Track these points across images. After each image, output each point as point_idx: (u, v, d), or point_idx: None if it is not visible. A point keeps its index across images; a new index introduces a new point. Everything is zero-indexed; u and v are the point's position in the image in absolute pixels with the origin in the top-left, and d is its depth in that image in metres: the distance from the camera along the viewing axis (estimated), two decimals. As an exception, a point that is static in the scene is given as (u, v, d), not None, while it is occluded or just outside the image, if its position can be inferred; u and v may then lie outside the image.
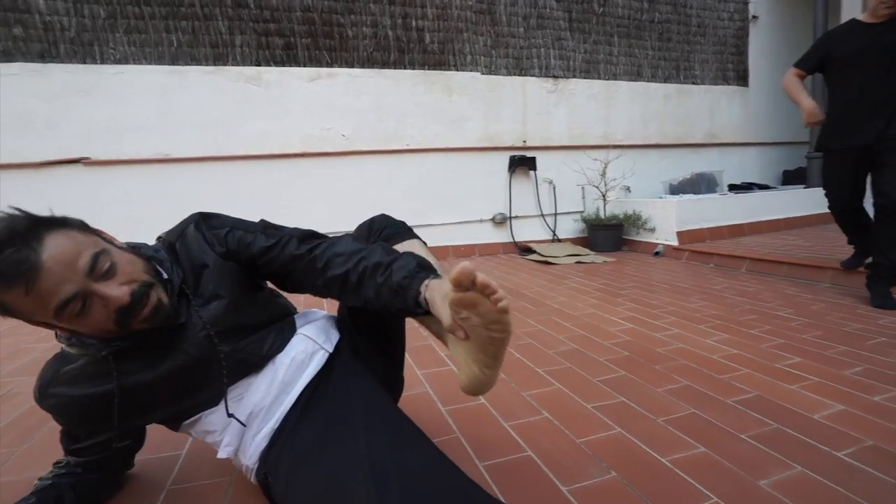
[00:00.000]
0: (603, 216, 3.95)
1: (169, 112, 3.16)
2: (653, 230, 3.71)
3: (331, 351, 0.86)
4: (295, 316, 0.91)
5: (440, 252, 3.79)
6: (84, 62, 3.00)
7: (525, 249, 3.90)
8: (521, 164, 3.93)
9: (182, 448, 1.06)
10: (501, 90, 3.93)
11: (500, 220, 3.98)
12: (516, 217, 4.03)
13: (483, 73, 3.88)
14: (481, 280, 0.56)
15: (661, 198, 3.94)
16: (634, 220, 3.79)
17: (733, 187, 4.47)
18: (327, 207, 3.56)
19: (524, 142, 4.01)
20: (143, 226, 3.15)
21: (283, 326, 0.86)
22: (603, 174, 3.93)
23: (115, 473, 0.93)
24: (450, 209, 3.86)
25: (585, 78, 4.17)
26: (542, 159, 4.01)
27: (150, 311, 0.68)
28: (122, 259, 0.68)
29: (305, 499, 0.67)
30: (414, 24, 3.66)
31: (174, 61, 3.16)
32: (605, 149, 4.11)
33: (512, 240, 4.00)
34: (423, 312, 0.68)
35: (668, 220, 3.58)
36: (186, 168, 3.22)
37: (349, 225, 3.66)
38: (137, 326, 0.69)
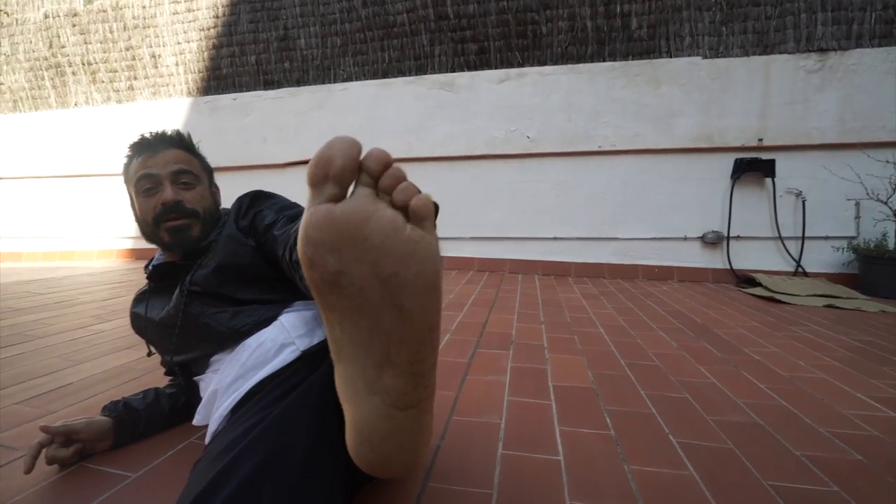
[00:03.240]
0: (893, 245, 2.65)
1: (375, 119, 3.61)
2: None
3: (303, 349, 0.70)
4: (297, 301, 0.80)
5: (625, 271, 3.22)
6: (323, 83, 3.71)
7: (746, 280, 2.94)
8: (752, 168, 2.99)
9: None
10: (731, 76, 3.08)
11: (713, 240, 3.12)
12: (737, 238, 3.08)
13: (706, 58, 3.12)
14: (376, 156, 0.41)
15: None
16: (957, 256, 2.41)
17: None
18: (504, 211, 3.45)
19: (760, 140, 3.04)
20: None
21: (268, 308, 0.76)
22: (898, 184, 2.64)
23: (188, 406, 0.96)
24: (643, 221, 3.23)
25: (882, 45, 2.89)
26: (785, 162, 2.97)
27: (177, 224, 0.83)
28: (200, 189, 0.89)
29: None
30: (618, 10, 3.21)
31: (385, 75, 3.60)
32: (908, 147, 2.76)
33: (728, 266, 3.08)
34: None
35: None
36: (383, 169, 3.61)
37: (524, 230, 3.51)
38: (162, 234, 0.84)
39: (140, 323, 0.92)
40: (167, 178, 0.84)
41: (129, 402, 0.92)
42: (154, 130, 0.89)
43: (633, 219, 3.26)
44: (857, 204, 2.87)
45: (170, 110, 4.14)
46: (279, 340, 0.71)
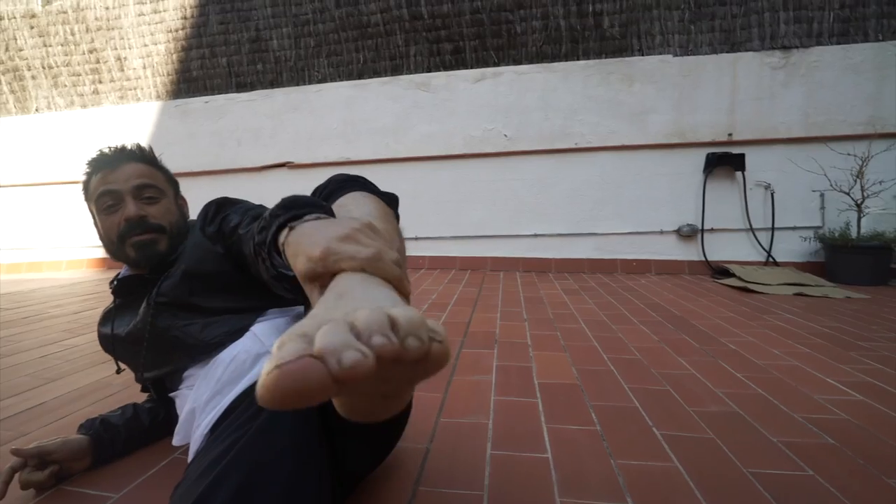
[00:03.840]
0: (856, 234, 2.77)
1: (352, 120, 3.58)
2: (952, 259, 2.41)
3: None
4: (270, 309, 0.78)
5: (604, 265, 3.27)
6: (297, 84, 3.66)
7: (720, 271, 3.03)
8: (723, 162, 3.08)
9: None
10: (700, 73, 3.16)
11: (688, 233, 3.20)
12: (711, 230, 3.17)
13: (676, 55, 3.20)
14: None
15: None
16: (915, 243, 2.54)
17: None
18: (484, 209, 3.47)
19: (729, 135, 3.14)
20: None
21: (240, 318, 0.74)
22: (859, 175, 2.76)
23: (169, 420, 0.93)
24: (621, 216, 3.30)
25: (840, 43, 3.01)
26: (754, 156, 3.07)
27: (143, 239, 0.81)
28: (165, 203, 0.86)
29: None
30: (590, 9, 3.26)
31: (360, 76, 3.57)
32: (867, 139, 2.88)
33: (703, 257, 3.17)
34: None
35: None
36: (362, 170, 3.57)
37: (505, 228, 3.54)
38: (128, 250, 0.81)
39: (108, 342, 0.89)
40: (129, 194, 0.81)
41: (107, 418, 0.89)
42: (113, 145, 0.86)
43: (610, 214, 3.31)
44: (822, 195, 2.99)
45: (138, 114, 4.01)
46: (253, 351, 0.70)
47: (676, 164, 3.22)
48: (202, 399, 0.69)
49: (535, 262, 3.37)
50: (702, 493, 0.76)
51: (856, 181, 2.77)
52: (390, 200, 0.59)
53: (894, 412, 1.06)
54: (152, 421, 0.93)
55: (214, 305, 0.76)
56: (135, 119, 4.01)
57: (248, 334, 0.73)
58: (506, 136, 3.43)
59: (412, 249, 3.54)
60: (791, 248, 3.07)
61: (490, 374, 1.32)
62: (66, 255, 4.21)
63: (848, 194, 2.79)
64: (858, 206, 2.75)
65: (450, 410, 1.08)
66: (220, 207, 0.81)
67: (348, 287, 0.33)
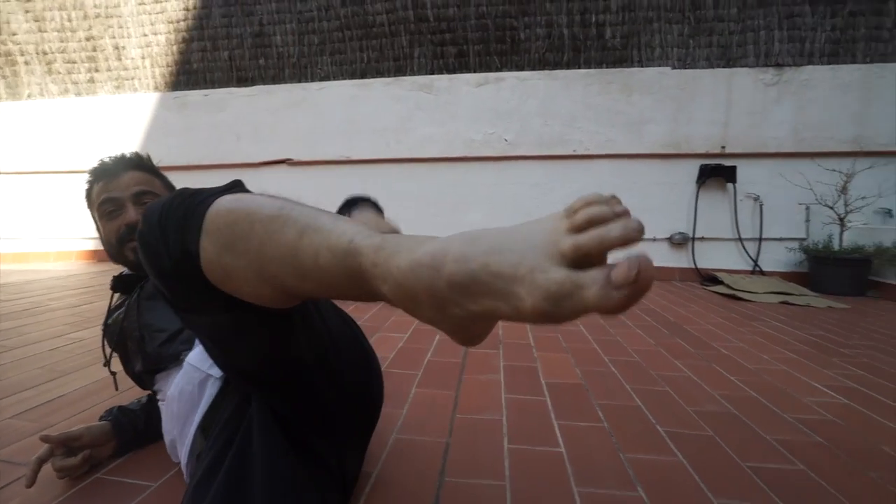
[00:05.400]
0: (838, 247, 2.89)
1: (354, 119, 3.61)
2: (927, 273, 2.54)
3: (219, 376, 0.71)
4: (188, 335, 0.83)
5: (597, 270, 3.36)
6: (299, 81, 3.67)
7: (709, 279, 3.14)
8: (716, 174, 3.18)
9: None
10: (697, 86, 3.27)
11: (680, 241, 3.30)
12: (701, 239, 3.28)
13: (674, 68, 3.30)
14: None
15: (949, 228, 2.67)
16: (894, 256, 2.66)
17: None
18: (482, 213, 3.52)
19: (723, 148, 3.25)
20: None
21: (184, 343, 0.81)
22: (843, 190, 2.89)
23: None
24: (615, 223, 3.38)
25: (830, 63, 3.14)
26: (745, 169, 3.18)
27: None
28: None
29: None
30: (593, 19, 3.34)
31: (363, 75, 3.60)
32: (851, 157, 3.01)
33: (693, 265, 3.27)
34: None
35: (958, 261, 2.39)
36: (362, 169, 3.62)
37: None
38: (127, 252, 0.85)
39: (109, 335, 0.92)
40: (129, 200, 0.85)
41: (125, 406, 0.94)
42: (112, 154, 0.91)
43: (605, 220, 3.39)
44: (808, 208, 3.11)
45: (135, 105, 3.98)
46: (195, 380, 0.73)
47: (671, 174, 3.32)
48: (174, 433, 0.75)
49: (530, 265, 3.44)
50: (706, 484, 0.82)
51: (840, 196, 2.89)
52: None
53: (873, 413, 1.14)
54: None
55: (174, 325, 0.82)
56: (131, 109, 3.97)
57: (185, 367, 0.75)
58: (506, 140, 3.49)
59: (410, 249, 3.58)
60: (777, 258, 3.19)
61: (498, 373, 1.38)
62: (54, 246, 4.15)
63: (832, 208, 2.92)
64: (841, 220, 2.88)
65: (464, 407, 1.14)
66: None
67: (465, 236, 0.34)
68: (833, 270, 2.82)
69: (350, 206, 0.81)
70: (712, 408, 1.16)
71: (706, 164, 3.21)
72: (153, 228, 0.44)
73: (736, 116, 3.24)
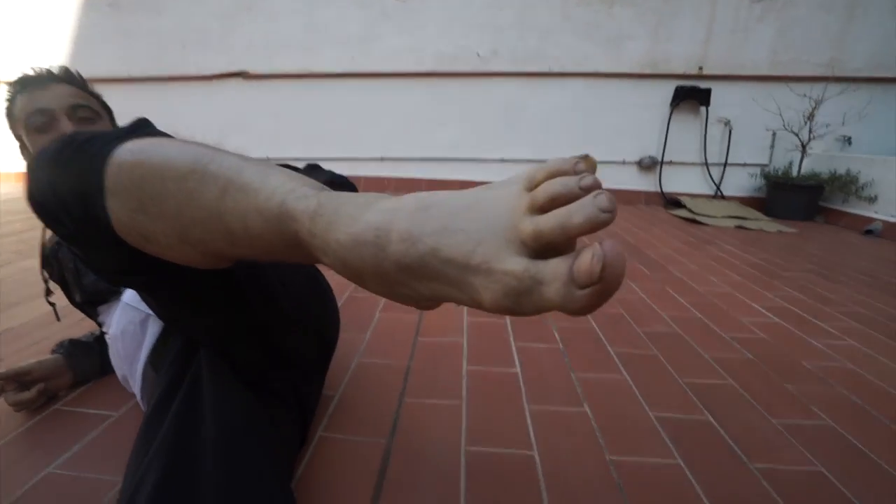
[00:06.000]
0: (796, 173, 2.98)
1: (314, 27, 3.28)
2: (872, 200, 2.67)
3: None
4: None
5: (566, 195, 3.38)
6: (249, -22, 3.24)
7: (673, 202, 3.22)
8: (690, 97, 3.13)
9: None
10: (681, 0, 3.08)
11: (648, 165, 3.32)
12: (669, 163, 3.30)
13: (659, -24, 3.07)
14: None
15: (901, 155, 2.77)
16: (845, 184, 2.77)
17: None
18: (452, 132, 3.40)
19: (700, 69, 3.15)
20: (286, 138, 3.49)
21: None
22: (810, 117, 2.90)
23: None
24: (588, 145, 3.34)
25: (819, -22, 2.98)
26: (720, 92, 3.13)
27: None
28: (101, 125, 0.80)
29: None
30: (577, -86, 3.01)
31: (322, -26, 3.21)
32: (824, 82, 2.99)
33: (659, 189, 3.33)
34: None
35: (902, 188, 2.52)
36: (325, 84, 3.37)
37: (473, 152, 3.51)
38: None
39: (47, 266, 0.87)
40: (63, 113, 0.75)
41: (77, 338, 0.92)
42: (38, 67, 0.79)
43: (580, 142, 3.35)
44: (774, 134, 3.14)
45: (57, 4, 3.46)
46: (136, 320, 0.71)
47: (647, 95, 3.23)
48: (124, 371, 0.75)
49: (501, 190, 3.42)
50: (645, 399, 0.90)
51: (806, 123, 2.91)
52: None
53: (798, 331, 1.25)
54: None
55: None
56: (52, 9, 3.45)
57: (121, 306, 0.73)
58: (478, 55, 3.28)
59: (377, 170, 3.48)
60: (739, 183, 3.27)
61: (462, 298, 1.42)
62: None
63: (797, 135, 2.95)
64: (804, 146, 2.93)
65: (426, 331, 1.17)
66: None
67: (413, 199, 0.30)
68: (788, 196, 2.93)
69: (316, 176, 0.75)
70: (661, 329, 1.24)
71: (682, 86, 3.14)
72: (44, 189, 0.37)
73: (717, 34, 3.11)
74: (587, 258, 0.21)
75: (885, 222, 2.53)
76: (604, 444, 0.76)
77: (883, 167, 2.64)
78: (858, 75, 3.01)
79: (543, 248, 0.24)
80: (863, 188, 2.71)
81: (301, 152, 3.42)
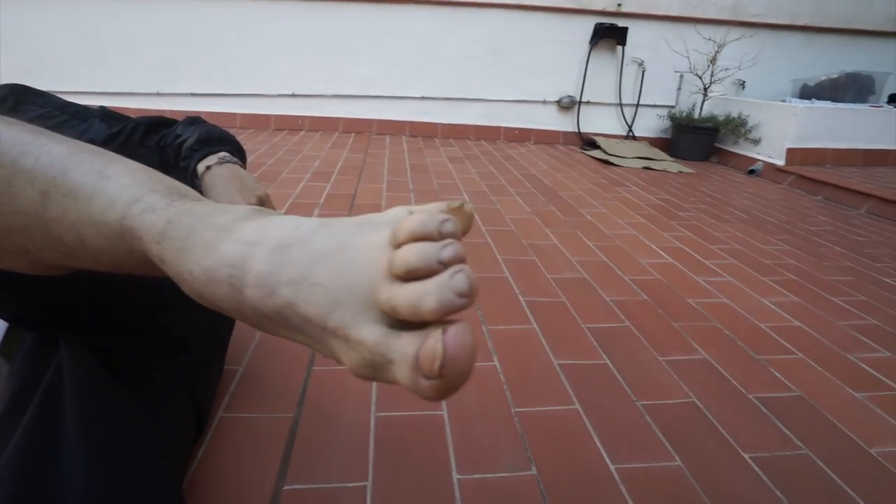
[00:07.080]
0: (697, 115, 3.18)
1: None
2: (757, 141, 2.95)
3: None
4: None
5: (489, 133, 3.34)
6: None
7: (589, 143, 3.32)
8: (608, 35, 3.13)
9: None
10: (604, -75, 2.97)
11: (567, 105, 3.35)
12: (587, 103, 3.36)
13: None
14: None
15: (783, 101, 3.05)
16: (736, 126, 3.02)
17: None
18: (369, 66, 3.15)
19: (619, 5, 3.14)
20: (179, 69, 3.00)
21: None
22: (712, 60, 3.05)
23: None
24: (508, 84, 3.27)
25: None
26: (636, 31, 3.16)
27: None
28: None
29: None
30: None
31: None
32: (727, 25, 3.13)
33: (576, 129, 3.40)
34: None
35: (781, 132, 2.79)
36: (221, 6, 2.89)
37: (392, 89, 3.30)
38: None
39: None
40: None
41: None
42: None
43: (497, 80, 3.27)
44: (682, 76, 3.28)
45: None
46: None
47: (566, 32, 3.18)
48: None
49: (421, 127, 3.29)
50: (551, 348, 0.95)
51: (709, 66, 3.07)
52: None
53: (687, 270, 1.38)
54: None
55: None
56: None
57: None
58: (395, -26, 2.97)
59: (289, 108, 3.17)
60: (649, 124, 3.44)
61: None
62: None
63: (700, 78, 3.11)
64: (706, 90, 3.10)
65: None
66: (19, 98, 0.62)
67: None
68: (689, 137, 3.14)
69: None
70: (569, 274, 1.30)
71: (601, 24, 3.12)
72: None
73: (637, -32, 3.08)
74: (429, 348, 0.18)
75: (766, 163, 2.82)
76: (510, 398, 0.80)
77: (767, 111, 2.89)
78: (756, 21, 3.18)
79: (401, 320, 0.21)
80: (750, 131, 2.97)
81: (198, 87, 2.99)
